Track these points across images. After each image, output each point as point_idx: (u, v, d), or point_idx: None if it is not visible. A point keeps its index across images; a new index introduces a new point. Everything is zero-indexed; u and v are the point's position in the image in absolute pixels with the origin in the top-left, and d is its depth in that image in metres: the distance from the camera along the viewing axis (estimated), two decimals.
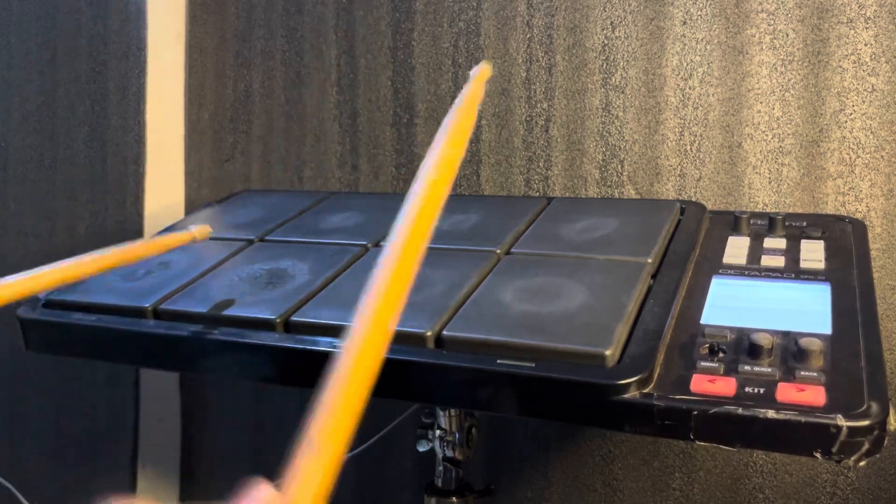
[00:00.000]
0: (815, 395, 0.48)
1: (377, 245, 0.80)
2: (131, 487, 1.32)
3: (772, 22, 0.93)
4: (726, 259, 0.71)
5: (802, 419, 0.47)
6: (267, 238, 0.86)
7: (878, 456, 0.47)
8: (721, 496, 0.99)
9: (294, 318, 0.66)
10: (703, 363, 0.54)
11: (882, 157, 0.90)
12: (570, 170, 1.04)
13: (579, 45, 1.02)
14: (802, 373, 0.51)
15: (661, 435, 0.51)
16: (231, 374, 0.79)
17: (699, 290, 0.65)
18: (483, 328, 0.60)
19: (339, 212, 0.92)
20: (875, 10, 0.88)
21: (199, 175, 1.27)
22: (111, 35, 1.28)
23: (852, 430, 0.46)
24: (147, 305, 0.73)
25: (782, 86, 0.93)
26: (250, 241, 0.86)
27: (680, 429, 0.50)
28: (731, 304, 0.62)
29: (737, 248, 0.73)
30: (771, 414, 0.48)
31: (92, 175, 1.32)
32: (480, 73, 0.40)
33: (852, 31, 0.90)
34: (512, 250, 0.75)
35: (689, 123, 0.97)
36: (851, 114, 0.90)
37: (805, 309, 0.60)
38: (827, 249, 0.71)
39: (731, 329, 0.57)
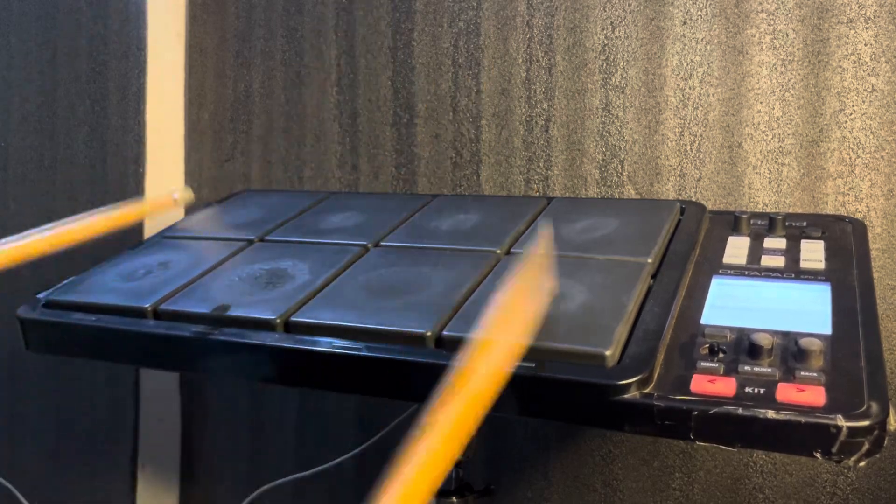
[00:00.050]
0: (815, 396, 0.48)
1: (377, 245, 0.80)
2: (131, 487, 1.32)
3: (772, 22, 0.93)
4: (726, 259, 0.71)
5: (802, 419, 0.47)
6: (267, 238, 0.86)
7: (878, 456, 0.47)
8: (721, 496, 0.99)
9: (294, 318, 0.66)
10: (703, 363, 0.54)
11: (882, 157, 0.90)
12: (570, 170, 1.04)
13: (579, 45, 1.02)
14: (802, 373, 0.51)
15: (661, 435, 0.51)
16: (231, 375, 0.79)
17: (699, 290, 0.65)
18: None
19: (339, 212, 0.92)
20: (875, 10, 0.88)
21: (199, 175, 1.27)
22: (111, 35, 1.28)
23: (852, 431, 0.46)
24: (147, 305, 0.73)
25: (782, 86, 0.93)
26: (250, 241, 0.86)
27: (680, 429, 0.50)
28: (731, 304, 0.62)
29: (737, 248, 0.73)
30: (771, 414, 0.48)
31: (92, 175, 1.32)
32: (544, 239, 0.39)
33: (852, 31, 0.90)
34: (512, 250, 0.75)
35: (689, 123, 0.97)
36: (851, 114, 0.90)
37: (805, 309, 0.60)
38: (827, 249, 0.71)
39: (731, 329, 0.57)
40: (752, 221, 0.78)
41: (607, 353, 0.54)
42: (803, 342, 0.53)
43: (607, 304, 0.61)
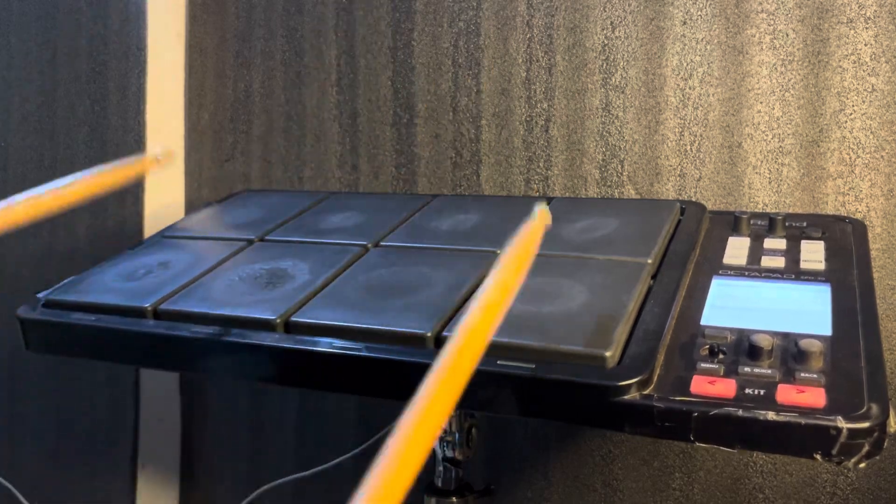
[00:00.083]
0: (816, 397, 0.48)
1: (377, 245, 0.80)
2: (131, 487, 1.32)
3: (772, 22, 0.93)
4: (726, 259, 0.71)
5: (802, 421, 0.47)
6: (267, 238, 0.86)
7: (878, 457, 0.47)
8: (721, 496, 0.99)
9: (294, 318, 0.66)
10: (703, 364, 0.54)
11: (882, 157, 0.90)
12: (570, 170, 1.04)
13: (579, 45, 1.02)
14: (802, 374, 0.51)
15: (661, 436, 0.51)
16: (231, 374, 0.79)
17: (699, 291, 0.65)
18: None
19: (339, 212, 0.92)
20: (875, 10, 0.88)
21: (199, 175, 1.27)
22: (111, 35, 1.28)
23: (852, 432, 0.46)
24: (147, 305, 0.73)
25: (782, 86, 0.93)
26: (250, 241, 0.86)
27: (680, 430, 0.50)
28: (731, 304, 0.62)
29: (737, 249, 0.73)
30: (771, 416, 0.48)
31: None
32: (540, 215, 0.40)
33: (852, 31, 0.89)
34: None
35: (689, 123, 0.97)
36: (851, 114, 0.90)
37: (805, 310, 0.60)
38: (827, 250, 0.71)
39: (732, 330, 0.57)
40: (752, 222, 0.78)
41: (607, 353, 0.54)
42: (803, 343, 0.53)
43: (607, 304, 0.61)
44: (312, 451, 1.20)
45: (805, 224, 0.77)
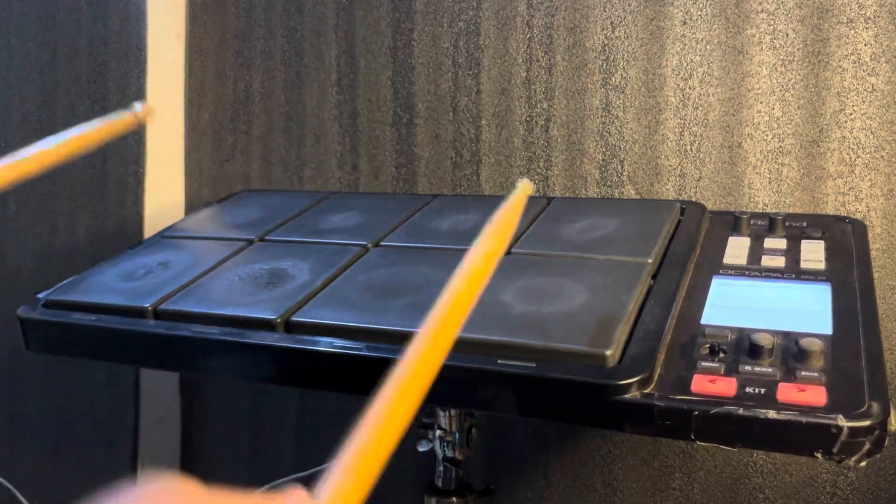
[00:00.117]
0: (816, 396, 0.48)
1: (377, 245, 0.80)
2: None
3: (772, 22, 0.93)
4: (726, 259, 0.71)
5: (803, 419, 0.47)
6: (267, 238, 0.86)
7: (878, 456, 0.47)
8: (721, 496, 0.99)
9: (294, 318, 0.66)
10: (703, 363, 0.54)
11: (882, 157, 0.90)
12: (570, 170, 1.04)
13: (579, 45, 1.02)
14: (803, 373, 0.51)
15: (661, 435, 0.51)
16: (231, 374, 0.79)
17: (699, 291, 0.65)
18: (483, 328, 0.60)
19: (339, 212, 0.92)
20: (875, 10, 0.88)
21: (199, 175, 1.27)
22: (111, 35, 1.28)
23: (853, 431, 0.46)
24: (147, 305, 0.72)
25: (782, 86, 0.93)
26: (250, 241, 0.86)
27: (680, 429, 0.50)
28: (731, 304, 0.62)
29: (737, 249, 0.73)
30: (772, 414, 0.48)
31: (92, 175, 1.32)
32: (524, 188, 0.40)
33: (852, 31, 0.90)
34: (512, 250, 0.75)
35: (689, 123, 0.97)
36: (851, 114, 0.90)
37: (805, 309, 0.60)
38: (827, 250, 0.71)
39: (732, 329, 0.57)
40: (752, 222, 0.78)
41: (608, 353, 0.54)
42: (804, 342, 0.53)
43: (607, 304, 0.61)
44: (312, 451, 1.20)
45: (805, 224, 0.77)
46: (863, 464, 0.46)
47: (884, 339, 0.86)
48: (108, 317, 0.74)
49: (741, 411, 0.48)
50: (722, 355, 0.54)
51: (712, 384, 0.51)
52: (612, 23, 1.00)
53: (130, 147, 1.28)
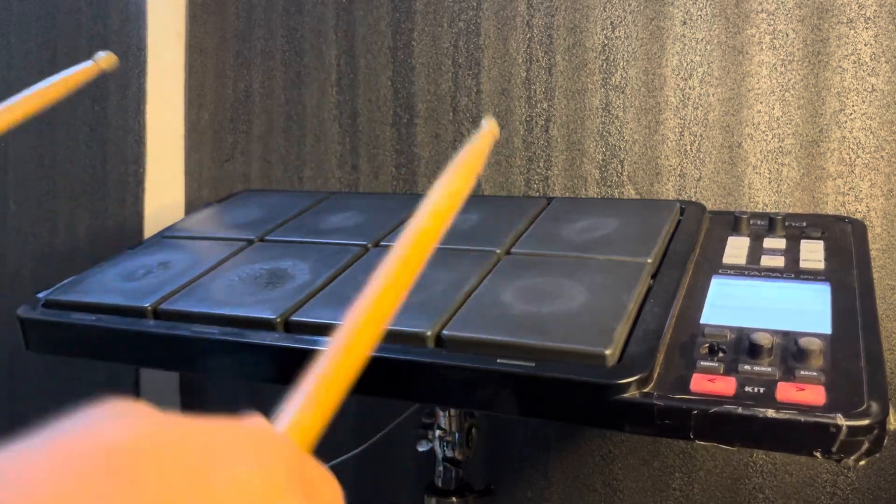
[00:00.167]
0: (815, 395, 0.48)
1: (377, 245, 0.80)
2: None
3: (772, 22, 0.93)
4: (726, 259, 0.71)
5: (802, 419, 0.47)
6: (267, 238, 0.86)
7: (877, 456, 0.47)
8: (721, 496, 0.99)
9: (294, 318, 0.66)
10: (702, 363, 0.54)
11: (882, 157, 0.90)
12: (570, 170, 1.04)
13: (579, 45, 1.02)
14: (802, 372, 0.51)
15: (661, 435, 0.51)
16: (231, 374, 0.79)
17: (699, 290, 0.65)
18: (483, 328, 0.60)
19: (339, 212, 0.92)
20: (875, 10, 0.88)
21: (199, 175, 1.27)
22: (111, 35, 1.28)
23: (852, 430, 0.46)
24: (147, 305, 0.73)
25: (782, 86, 0.93)
26: (250, 241, 0.86)
27: (680, 428, 0.50)
28: (730, 303, 0.62)
29: (737, 249, 0.73)
30: (771, 413, 0.48)
31: (92, 175, 1.32)
32: (489, 130, 0.40)
33: (852, 31, 0.90)
34: (512, 250, 0.75)
35: (689, 123, 0.97)
36: (851, 114, 0.90)
37: (805, 309, 0.60)
38: (827, 249, 0.71)
39: (731, 329, 0.57)
40: (751, 221, 0.78)
41: (607, 352, 0.54)
42: (803, 342, 0.53)
43: (607, 304, 0.61)
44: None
45: (805, 224, 0.77)
46: (862, 463, 0.46)
47: (883, 339, 0.86)
48: (108, 317, 0.74)
49: (740, 410, 0.49)
50: (721, 355, 0.54)
51: (712, 383, 0.51)
52: (612, 23, 1.00)
53: (130, 147, 1.28)
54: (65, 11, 1.32)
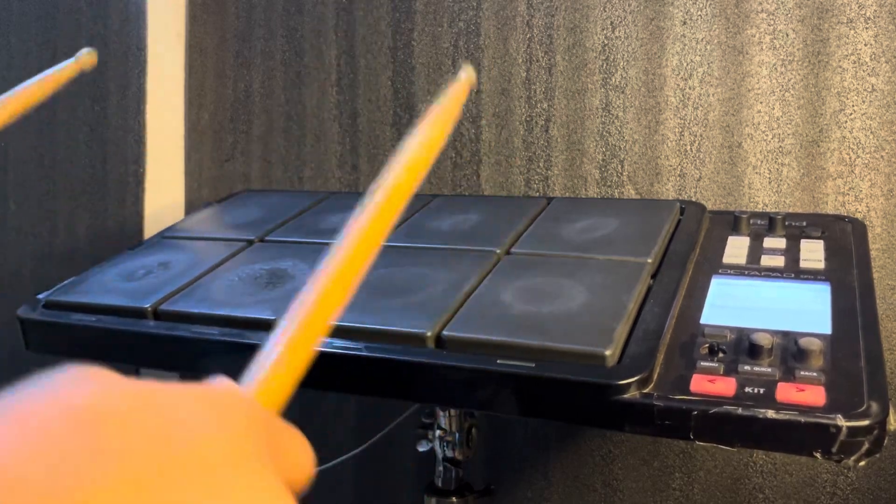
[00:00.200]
0: (815, 395, 0.48)
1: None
2: None
3: (772, 22, 0.93)
4: (726, 259, 0.71)
5: (802, 419, 0.47)
6: (267, 238, 0.86)
7: (878, 456, 0.47)
8: (721, 496, 0.99)
9: None
10: (702, 363, 0.54)
11: (882, 157, 0.90)
12: (570, 170, 1.04)
13: (579, 45, 1.02)
14: (802, 373, 0.51)
15: (660, 435, 0.51)
16: (231, 375, 0.79)
17: (699, 290, 0.65)
18: (483, 328, 0.60)
19: (339, 212, 0.92)
20: (875, 10, 0.88)
21: (199, 175, 1.27)
22: (111, 35, 1.28)
23: (852, 430, 0.46)
24: (147, 305, 0.73)
25: (782, 86, 0.93)
26: (250, 241, 0.86)
27: (680, 429, 0.50)
28: (730, 303, 0.62)
29: (737, 248, 0.73)
30: (771, 414, 0.48)
31: (92, 175, 1.32)
32: (466, 78, 0.40)
33: (852, 31, 0.90)
34: (512, 250, 0.75)
35: (689, 123, 0.97)
36: (851, 114, 0.90)
37: (805, 309, 0.60)
38: (827, 249, 0.71)
39: (731, 329, 0.57)
40: (752, 221, 0.78)
41: (607, 352, 0.54)
42: (803, 342, 0.53)
43: (607, 304, 0.61)
44: (312, 450, 1.20)
45: (805, 224, 0.77)
46: (862, 463, 0.46)
47: (883, 339, 0.86)
48: (108, 317, 0.74)
49: (740, 411, 0.49)
50: (721, 355, 0.54)
51: (711, 384, 0.51)
52: (612, 23, 1.00)
53: (130, 147, 1.28)
54: (65, 11, 1.32)
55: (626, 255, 0.70)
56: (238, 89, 1.24)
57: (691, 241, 0.73)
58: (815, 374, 0.51)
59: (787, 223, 0.76)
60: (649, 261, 0.68)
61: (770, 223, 0.76)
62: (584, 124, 1.02)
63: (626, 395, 0.52)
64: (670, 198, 0.99)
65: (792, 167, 0.93)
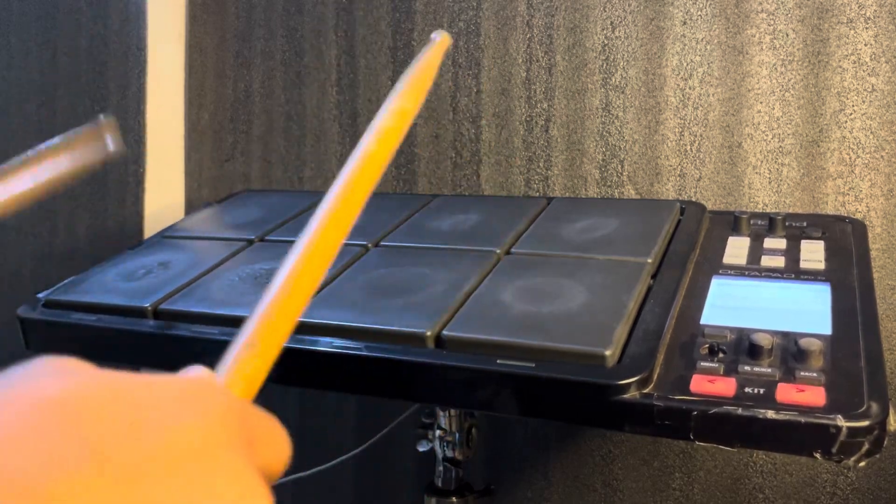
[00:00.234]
0: (815, 396, 0.48)
1: (377, 245, 0.80)
2: None
3: (772, 22, 0.93)
4: (726, 259, 0.71)
5: (802, 419, 0.47)
6: (267, 238, 0.86)
7: (878, 456, 0.47)
8: (721, 496, 0.99)
9: None
10: (702, 363, 0.54)
11: (882, 157, 0.90)
12: (570, 170, 1.04)
13: (579, 45, 1.02)
14: (802, 373, 0.51)
15: (660, 435, 0.51)
16: None
17: (699, 290, 0.65)
18: (483, 328, 0.60)
19: None
20: (875, 10, 0.88)
21: (199, 175, 1.27)
22: (111, 35, 1.28)
23: (852, 431, 0.46)
24: (147, 305, 0.73)
25: (782, 86, 0.93)
26: (250, 241, 0.86)
27: (680, 429, 0.50)
28: (731, 304, 0.62)
29: (737, 249, 0.73)
30: (771, 414, 0.48)
31: (92, 175, 1.32)
32: (441, 41, 0.39)
33: (852, 31, 0.90)
34: (512, 250, 0.75)
35: (689, 123, 0.97)
36: (851, 114, 0.90)
37: (805, 309, 0.60)
38: (827, 249, 0.71)
39: (731, 329, 0.57)
40: (752, 221, 0.78)
41: (607, 353, 0.54)
42: (803, 342, 0.53)
43: (607, 304, 0.61)
44: (312, 451, 1.20)
45: (805, 224, 0.77)
46: (862, 464, 0.46)
47: (883, 339, 0.86)
48: (108, 317, 0.74)
49: (740, 411, 0.49)
50: (721, 355, 0.54)
51: (711, 384, 0.51)
52: (612, 23, 1.00)
53: (130, 147, 1.28)
54: (65, 11, 1.32)
55: (626, 255, 0.70)
56: (238, 89, 1.24)
57: (691, 242, 0.73)
58: (815, 374, 0.51)
59: (787, 223, 0.76)
60: (649, 261, 0.68)
61: (770, 223, 0.76)
62: (584, 124, 1.02)
63: (626, 396, 0.52)
64: (670, 198, 0.99)
65: (792, 167, 0.93)
